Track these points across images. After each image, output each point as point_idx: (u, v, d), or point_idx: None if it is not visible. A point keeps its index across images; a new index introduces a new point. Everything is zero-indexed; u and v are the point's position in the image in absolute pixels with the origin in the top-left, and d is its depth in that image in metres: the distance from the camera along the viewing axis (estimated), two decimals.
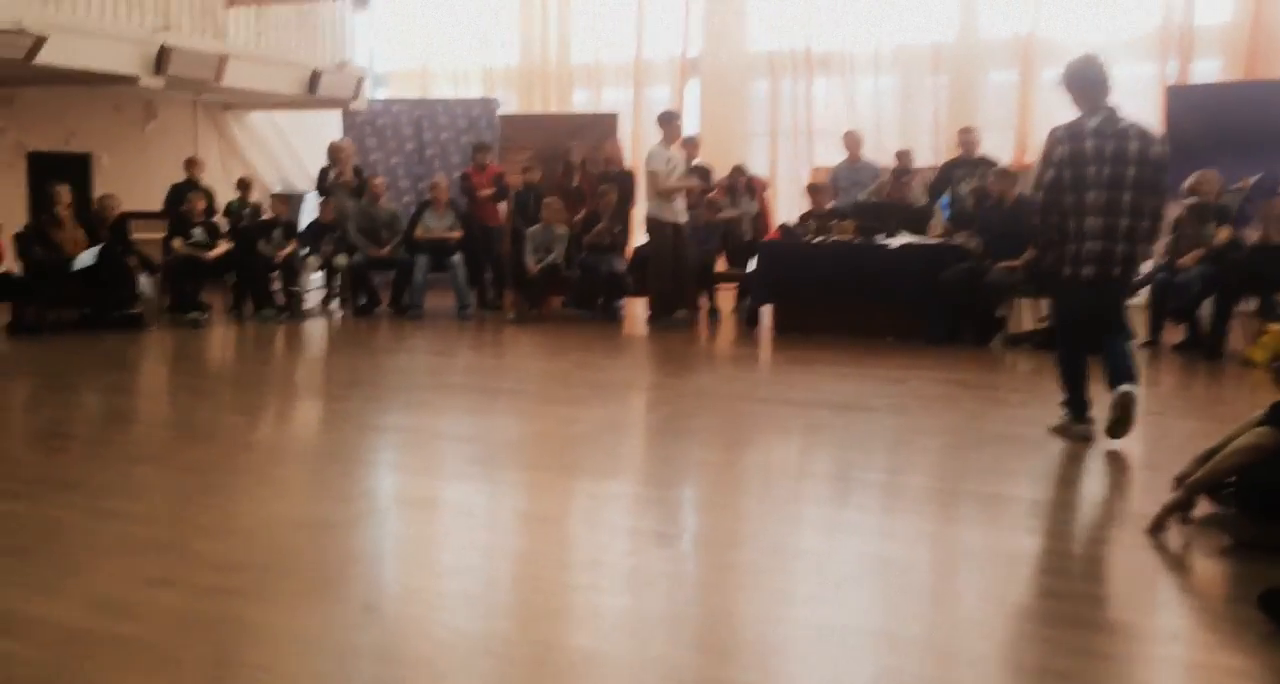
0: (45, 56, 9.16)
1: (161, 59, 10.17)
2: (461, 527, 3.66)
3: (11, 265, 8.60)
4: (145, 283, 8.99)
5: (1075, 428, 4.69)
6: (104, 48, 9.84)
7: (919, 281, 7.80)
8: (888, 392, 5.99)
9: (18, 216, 9.69)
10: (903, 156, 9.36)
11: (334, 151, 10.50)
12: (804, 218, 9.24)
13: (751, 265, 8.87)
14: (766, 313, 8.78)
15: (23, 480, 4.04)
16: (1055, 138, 4.55)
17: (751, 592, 3.00)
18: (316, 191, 10.55)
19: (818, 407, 5.58)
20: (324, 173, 10.40)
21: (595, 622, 2.77)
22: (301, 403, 6.17)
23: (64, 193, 8.65)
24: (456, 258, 9.78)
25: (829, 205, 9.13)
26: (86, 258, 8.45)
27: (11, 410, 5.75)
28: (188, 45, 10.45)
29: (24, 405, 5.89)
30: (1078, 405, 4.71)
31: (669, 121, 8.87)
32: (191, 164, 10.37)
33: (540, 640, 2.64)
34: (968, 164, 8.94)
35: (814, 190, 9.46)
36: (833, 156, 10.75)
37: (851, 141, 9.93)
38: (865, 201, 9.17)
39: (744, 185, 9.96)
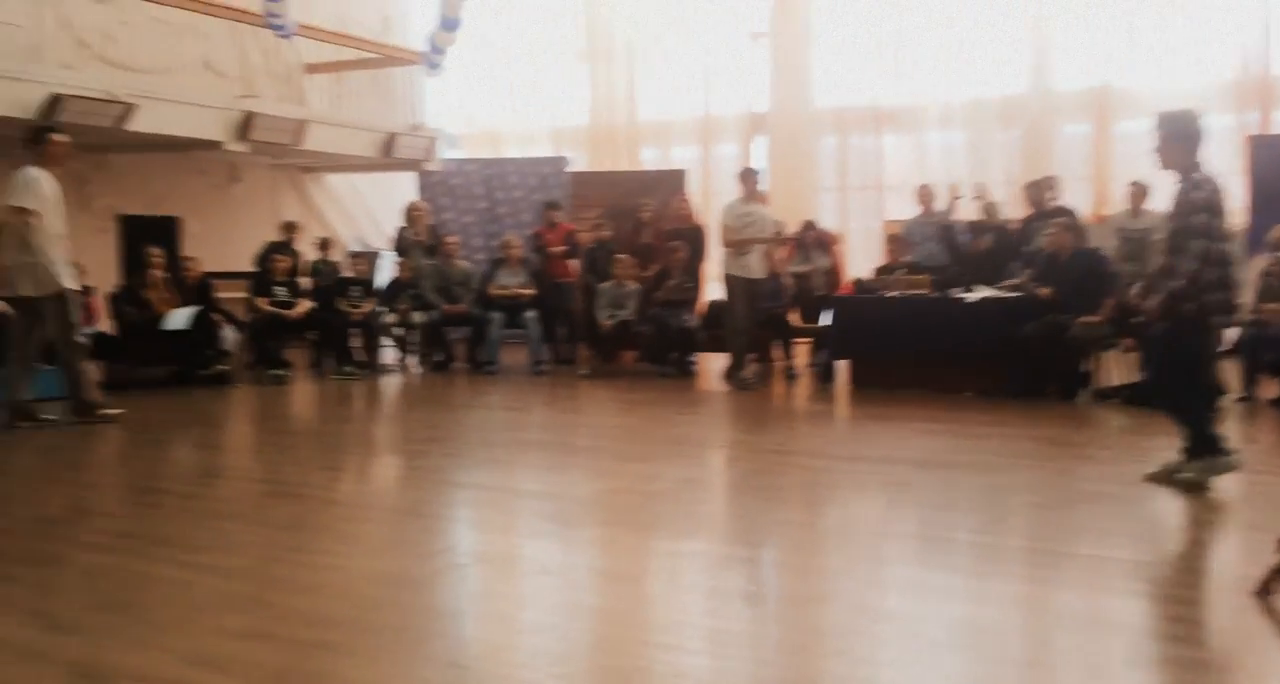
0: (135, 124, 9.55)
1: (245, 125, 10.53)
2: (541, 584, 3.66)
3: (104, 325, 8.90)
4: (230, 340, 9.23)
5: (1222, 461, 4.66)
6: (191, 115, 10.22)
7: (998, 335, 7.70)
8: (971, 448, 5.89)
9: (110, 278, 10.04)
10: (990, 209, 9.31)
11: (409, 212, 10.75)
12: (879, 271, 9.20)
13: (825, 320, 8.82)
14: (842, 368, 8.72)
15: (118, 535, 4.14)
16: (1215, 187, 4.60)
17: (837, 655, 2.94)
18: (394, 251, 10.80)
19: (898, 464, 5.50)
20: (400, 232, 10.66)
21: (678, 683, 2.74)
22: (382, 459, 6.26)
23: (156, 255, 8.96)
24: (530, 314, 9.90)
25: (905, 258, 9.08)
26: (178, 319, 8.72)
27: (105, 466, 5.91)
28: (270, 111, 10.82)
29: (117, 460, 6.05)
30: (1213, 440, 4.68)
31: (747, 177, 8.92)
32: (289, 228, 10.73)
33: None
34: (1044, 216, 8.84)
35: (893, 243, 9.41)
36: (904, 210, 10.72)
37: (925, 195, 9.90)
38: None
39: (814, 240, 9.97)
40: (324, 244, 10.97)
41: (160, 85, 10.07)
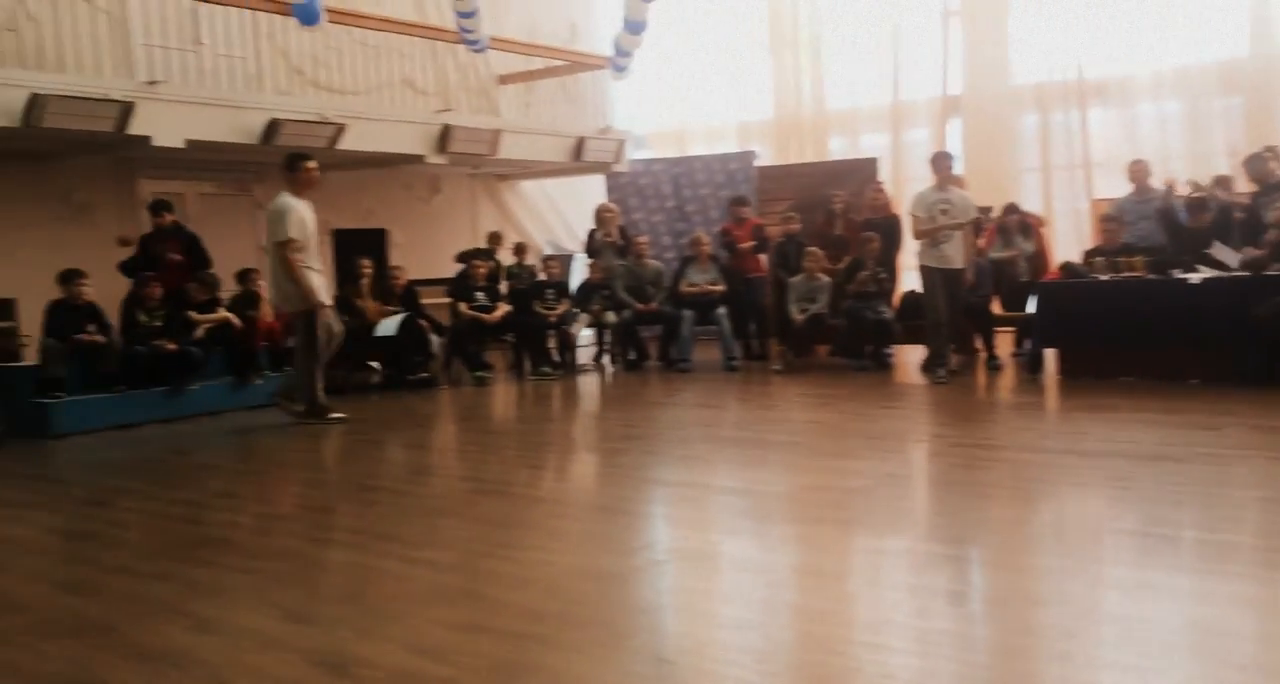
0: (346, 143, 10.14)
1: (444, 138, 11.01)
2: (742, 581, 3.66)
3: None
4: (434, 344, 9.67)
5: None
6: (395, 132, 10.77)
7: (1227, 318, 7.18)
8: (1197, 440, 5.52)
9: (326, 288, 10.69)
10: (1224, 182, 8.69)
11: (600, 214, 10.97)
12: (1089, 254, 8.73)
13: (1031, 307, 8.44)
14: (1050, 357, 8.33)
15: (346, 530, 4.41)
16: None
17: (1054, 659, 2.81)
18: (585, 253, 11.06)
19: (1116, 457, 5.22)
20: (591, 234, 10.90)
21: (886, 683, 2.68)
22: (581, 457, 6.41)
23: (366, 266, 9.48)
24: (721, 311, 9.92)
25: (1121, 241, 8.58)
26: (389, 327, 9.22)
27: (326, 466, 6.30)
28: (466, 123, 11.26)
29: (338, 460, 6.44)
30: None
31: (940, 162, 8.60)
32: (494, 238, 11.25)
33: None
34: (1272, 190, 8.17)
35: (1107, 223, 8.87)
36: (1113, 189, 10.14)
37: (1138, 172, 9.26)
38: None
39: (1016, 224, 9.56)
40: (519, 249, 11.33)
41: (366, 105, 10.66)
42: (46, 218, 9.94)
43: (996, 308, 9.27)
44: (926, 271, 8.41)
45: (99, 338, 7.67)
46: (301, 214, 7.25)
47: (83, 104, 8.15)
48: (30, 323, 8.92)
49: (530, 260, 11.51)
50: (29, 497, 5.45)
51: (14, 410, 7.52)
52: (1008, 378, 8.48)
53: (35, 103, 7.87)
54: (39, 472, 6.13)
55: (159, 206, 8.60)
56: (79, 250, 8.58)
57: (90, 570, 3.93)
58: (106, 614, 3.39)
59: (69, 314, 7.69)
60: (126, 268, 8.45)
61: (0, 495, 5.63)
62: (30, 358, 8.15)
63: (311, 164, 7.40)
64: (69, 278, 7.77)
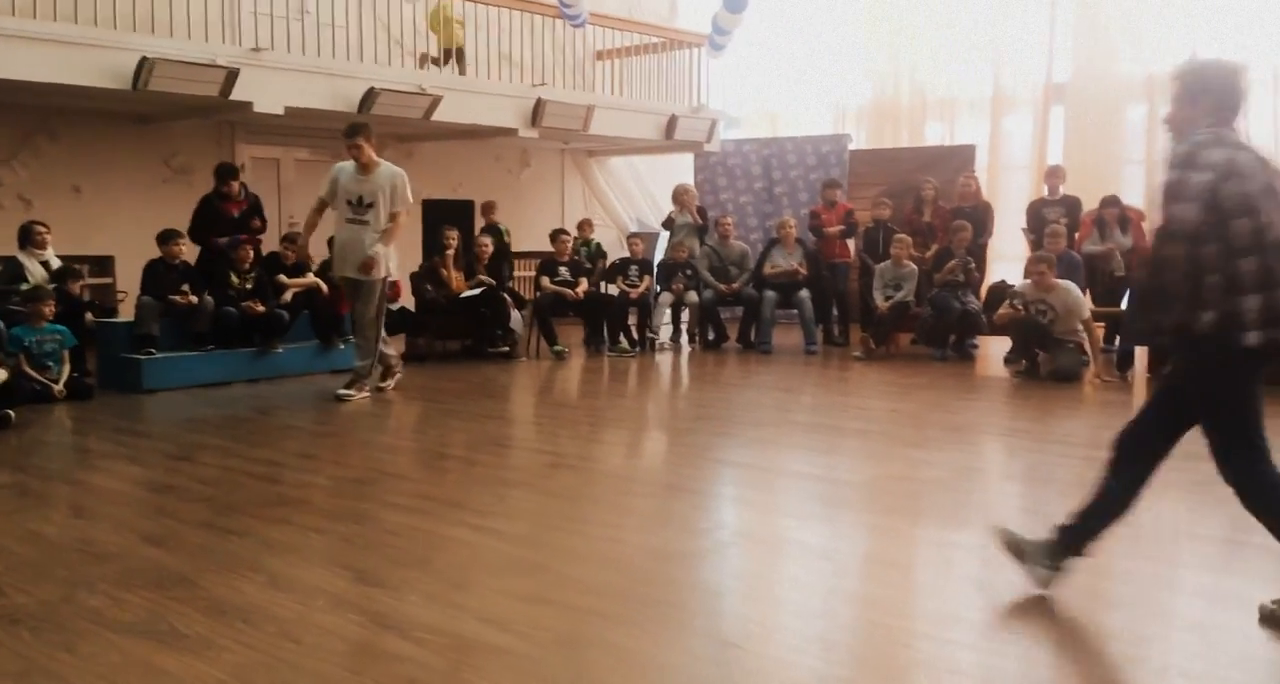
0: (440, 114, 10.24)
1: (537, 112, 11.05)
2: (811, 568, 3.63)
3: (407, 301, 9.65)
4: (516, 318, 9.76)
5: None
6: (489, 104, 10.85)
7: None
8: None
9: (415, 257, 10.85)
10: None
11: (678, 195, 10.94)
12: None
13: (1125, 303, 8.19)
14: (1141, 355, 8.08)
15: (419, 497, 4.48)
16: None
17: (1125, 662, 2.74)
18: (662, 227, 11.07)
19: (1202, 460, 4.98)
20: (670, 215, 10.90)
21: (954, 679, 2.64)
22: (653, 435, 6.41)
23: (451, 236, 9.59)
24: (804, 294, 9.83)
25: None
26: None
27: (404, 432, 6.41)
28: (560, 98, 11.29)
29: (414, 428, 6.55)
30: None
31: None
32: (584, 226, 11.25)
33: None
34: None
35: None
36: None
37: None
38: None
39: (1115, 217, 9.27)
40: (582, 226, 11.31)
41: (462, 78, 10.74)
42: (148, 179, 10.26)
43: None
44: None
45: (193, 299, 7.90)
46: (335, 177, 7.15)
47: (190, 69, 8.36)
48: (127, 280, 9.24)
49: (595, 236, 11.42)
50: (118, 449, 5.65)
51: (108, 364, 7.80)
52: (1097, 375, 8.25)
53: (144, 66, 8.10)
54: (129, 425, 6.35)
55: (226, 173, 8.60)
56: (177, 211, 8.82)
57: (172, 523, 4.06)
58: (185, 567, 3.50)
59: (165, 273, 7.92)
60: (192, 232, 8.47)
61: (91, 447, 5.86)
62: (126, 314, 8.44)
63: (357, 141, 7.02)
64: (167, 238, 8.00)
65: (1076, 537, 3.26)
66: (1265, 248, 2.96)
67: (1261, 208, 2.97)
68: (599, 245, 11.13)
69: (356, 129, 7.07)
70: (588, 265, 10.46)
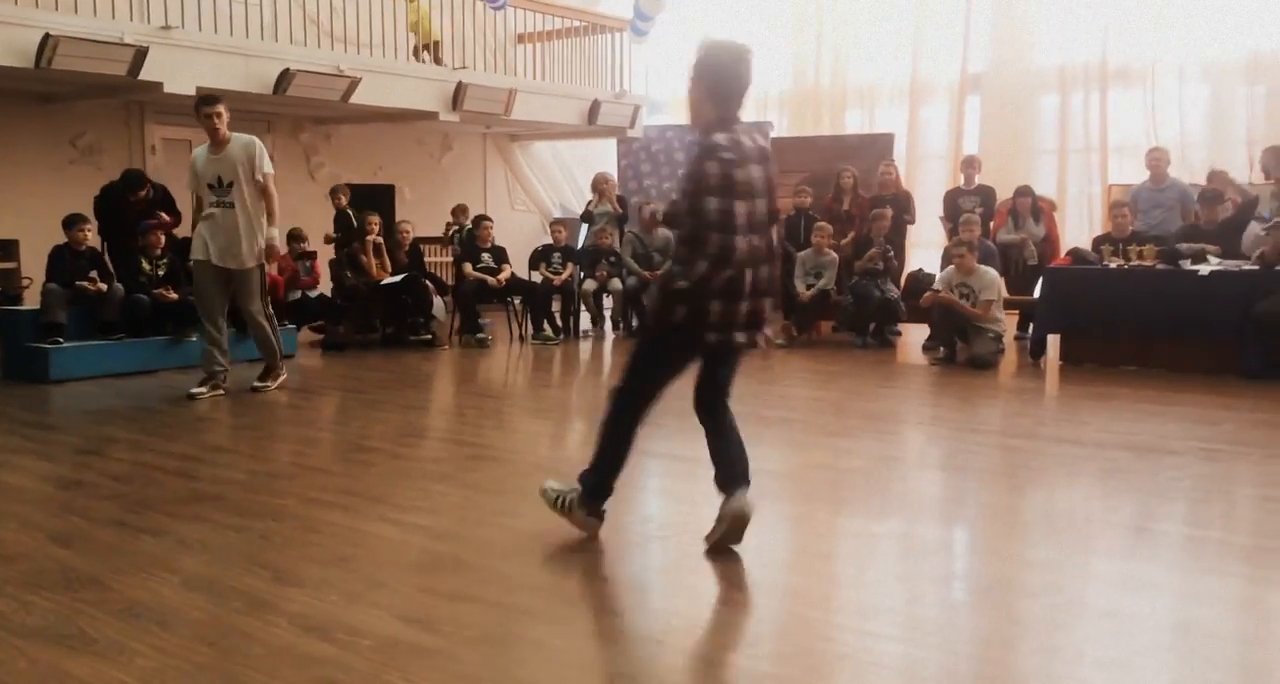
0: (359, 97, 10.05)
1: (458, 95, 10.91)
2: (735, 560, 3.65)
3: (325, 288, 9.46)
4: (438, 305, 9.64)
5: None
6: (409, 87, 10.68)
7: (1232, 312, 7.15)
8: (1197, 434, 5.50)
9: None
10: (1215, 178, 8.59)
11: (596, 185, 10.92)
12: (1098, 241, 8.66)
13: (1037, 291, 8.40)
14: (1053, 343, 8.30)
15: (340, 492, 4.40)
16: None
17: (1041, 651, 2.80)
18: (581, 220, 11.03)
19: (1113, 448, 5.20)
20: (588, 205, 10.88)
21: (877, 672, 2.68)
22: (578, 426, 6.39)
23: (374, 222, 9.43)
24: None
25: (1131, 228, 8.50)
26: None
27: (324, 424, 6.30)
28: (481, 81, 11.15)
29: (334, 419, 6.43)
30: None
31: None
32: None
33: None
34: None
35: (1118, 211, 8.79)
36: (1129, 175, 10.04)
37: (1156, 160, 9.15)
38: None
39: (1028, 207, 9.48)
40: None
41: (381, 60, 10.55)
42: (53, 160, 9.90)
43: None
44: None
45: (101, 286, 7.65)
46: (192, 164, 6.77)
47: (96, 47, 8.07)
48: (31, 266, 8.91)
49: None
50: (24, 443, 5.44)
51: (13, 354, 7.52)
52: (1009, 362, 8.45)
53: (48, 43, 7.79)
54: (35, 417, 6.13)
55: (133, 182, 8.24)
56: (84, 194, 8.52)
57: (81, 522, 3.93)
58: (95, 567, 3.39)
59: (71, 260, 7.66)
60: (102, 230, 8.21)
61: None
62: (31, 301, 8.14)
63: (216, 108, 6.56)
64: (72, 223, 7.73)
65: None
66: (733, 230, 3.28)
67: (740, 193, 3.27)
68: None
69: (211, 98, 6.63)
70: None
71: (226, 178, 6.62)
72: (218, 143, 6.63)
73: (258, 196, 6.67)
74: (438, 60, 11.14)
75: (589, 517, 3.74)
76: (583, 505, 3.72)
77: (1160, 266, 7.74)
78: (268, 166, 6.69)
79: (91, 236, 7.89)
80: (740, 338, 3.53)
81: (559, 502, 3.76)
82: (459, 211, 11.16)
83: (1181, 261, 7.68)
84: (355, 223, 9.52)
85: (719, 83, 3.42)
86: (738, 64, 3.42)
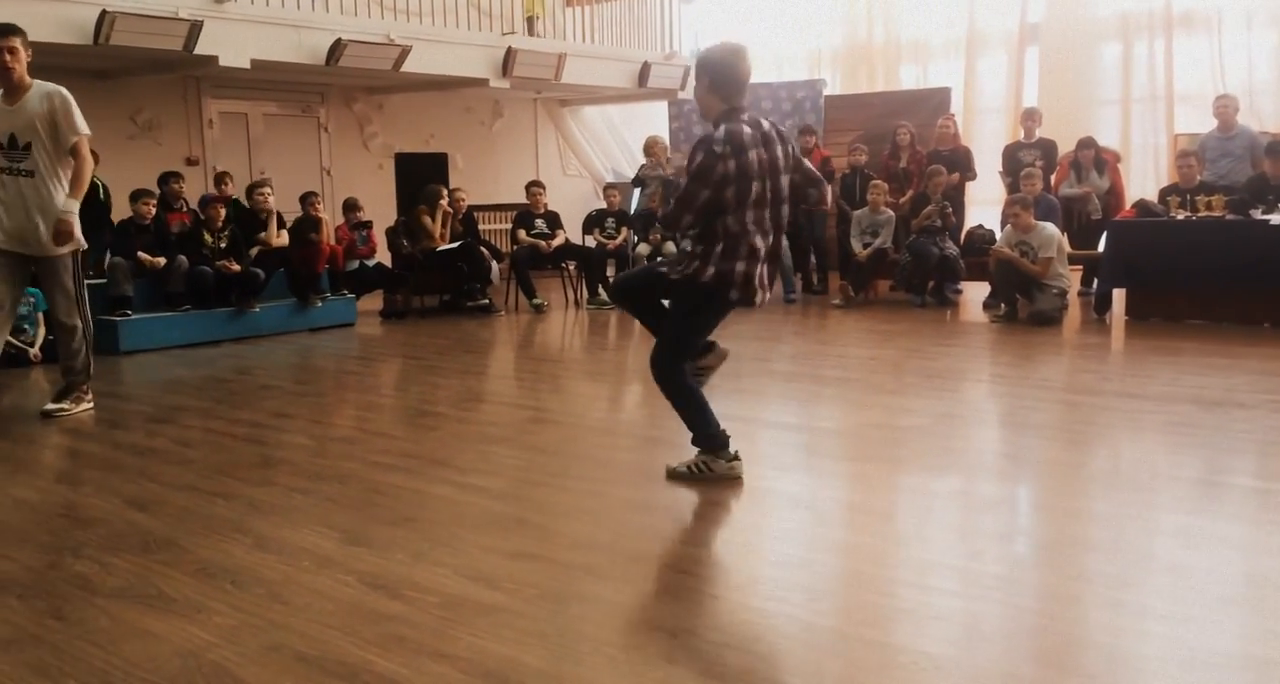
0: (409, 65, 10.08)
1: (508, 61, 10.89)
2: (793, 518, 3.66)
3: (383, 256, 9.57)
4: (494, 271, 9.70)
5: None
6: (459, 55, 10.69)
7: None
8: (1265, 386, 5.38)
9: (389, 212, 10.74)
10: None
11: (648, 147, 10.87)
12: (1165, 192, 8.45)
13: (1101, 245, 8.23)
14: (1119, 297, 8.14)
15: (402, 455, 4.48)
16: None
17: (1105, 606, 2.78)
18: (633, 185, 11.00)
19: (1180, 402, 5.10)
20: (641, 167, 10.85)
21: (935, 626, 2.67)
22: (634, 388, 6.41)
23: (442, 193, 9.49)
24: (782, 242, 9.80)
25: (1198, 179, 8.28)
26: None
27: (385, 390, 6.40)
28: (531, 47, 11.12)
29: (395, 385, 6.53)
30: None
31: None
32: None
33: (882, 642, 2.58)
34: None
35: (1184, 161, 8.56)
36: (1195, 124, 9.76)
37: (1224, 108, 8.87)
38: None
39: (1091, 159, 9.27)
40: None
41: (431, 28, 10.57)
42: (113, 136, 10.07)
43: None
44: None
45: (159, 260, 7.80)
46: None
47: (152, 22, 8.19)
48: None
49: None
50: (98, 412, 5.60)
51: None
52: (1073, 317, 8.31)
53: (105, 20, 7.92)
54: (107, 388, 6.30)
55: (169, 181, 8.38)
56: (145, 168, 8.69)
57: (156, 487, 4.05)
58: (171, 530, 3.49)
59: (136, 234, 7.82)
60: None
61: None
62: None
63: (11, 41, 4.97)
64: (136, 197, 7.89)
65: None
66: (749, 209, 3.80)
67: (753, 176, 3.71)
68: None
69: (7, 29, 4.99)
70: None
71: (22, 138, 5.03)
72: (10, 89, 5.03)
73: (63, 162, 5.13)
74: (531, 31, 11.14)
75: (731, 461, 4.00)
76: (717, 457, 3.97)
77: (1230, 217, 7.54)
78: (82, 127, 5.12)
79: (154, 211, 8.04)
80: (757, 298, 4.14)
81: (695, 469, 3.99)
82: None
83: (1252, 211, 7.47)
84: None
85: (720, 78, 3.77)
86: (735, 58, 3.77)
